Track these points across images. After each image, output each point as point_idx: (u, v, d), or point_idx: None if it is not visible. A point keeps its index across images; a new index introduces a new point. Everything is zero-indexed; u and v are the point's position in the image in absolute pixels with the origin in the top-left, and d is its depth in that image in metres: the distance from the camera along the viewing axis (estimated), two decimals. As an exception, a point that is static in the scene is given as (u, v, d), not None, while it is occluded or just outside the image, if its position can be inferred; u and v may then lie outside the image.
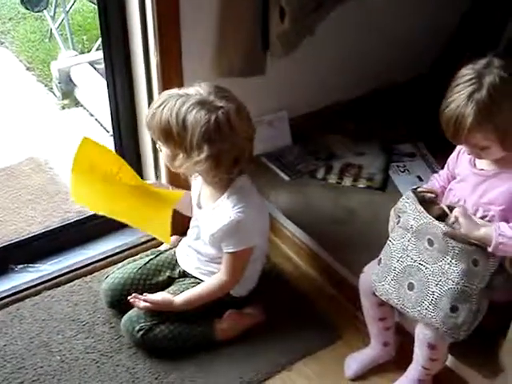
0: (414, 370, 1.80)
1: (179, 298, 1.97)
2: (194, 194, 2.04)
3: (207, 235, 1.94)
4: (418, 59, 2.71)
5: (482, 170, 1.69)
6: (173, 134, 1.77)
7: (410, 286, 1.68)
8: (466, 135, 1.58)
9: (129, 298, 1.98)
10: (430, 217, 1.63)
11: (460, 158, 1.77)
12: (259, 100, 2.38)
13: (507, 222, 1.61)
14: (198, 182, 2.01)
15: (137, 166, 2.36)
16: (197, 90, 1.79)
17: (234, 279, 1.97)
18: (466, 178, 1.74)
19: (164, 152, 1.86)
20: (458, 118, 1.56)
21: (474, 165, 1.71)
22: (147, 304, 1.94)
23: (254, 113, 2.33)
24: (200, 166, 1.79)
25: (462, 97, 1.55)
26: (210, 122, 1.73)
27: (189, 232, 2.08)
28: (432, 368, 1.77)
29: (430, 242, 1.64)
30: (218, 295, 1.99)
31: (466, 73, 1.58)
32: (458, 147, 1.76)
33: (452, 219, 1.63)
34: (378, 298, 1.83)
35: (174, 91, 1.82)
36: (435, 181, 1.87)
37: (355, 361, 1.97)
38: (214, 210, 1.92)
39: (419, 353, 1.74)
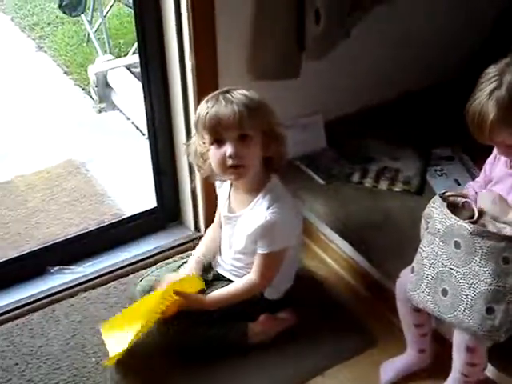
0: (452, 379, 1.77)
1: (210, 297, 1.96)
2: (221, 202, 2.04)
3: (243, 237, 1.93)
4: (450, 62, 2.68)
5: None
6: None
7: (444, 292, 1.65)
8: (490, 132, 1.57)
9: None
10: (456, 217, 1.60)
11: (497, 161, 1.74)
12: (294, 103, 2.37)
13: None
14: (224, 190, 2.01)
15: (171, 169, 2.37)
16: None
17: (264, 281, 1.96)
18: (501, 179, 1.71)
19: (255, 142, 1.83)
20: (480, 115, 1.57)
21: (511, 166, 1.69)
22: (179, 298, 1.92)
23: (289, 116, 2.34)
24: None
25: (484, 94, 1.56)
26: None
27: (222, 246, 2.08)
28: (471, 375, 1.73)
29: (457, 245, 1.61)
30: (247, 296, 1.98)
31: (489, 71, 1.60)
32: (495, 150, 1.73)
33: (476, 214, 1.61)
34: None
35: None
36: (470, 188, 1.84)
37: (390, 368, 1.94)
38: (250, 211, 1.91)
39: (457, 358, 1.71)
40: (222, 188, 2.03)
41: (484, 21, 2.74)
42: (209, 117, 1.79)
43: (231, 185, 1.99)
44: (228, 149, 1.80)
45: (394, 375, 1.93)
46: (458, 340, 1.68)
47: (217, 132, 1.81)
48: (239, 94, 1.81)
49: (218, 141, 1.82)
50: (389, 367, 1.95)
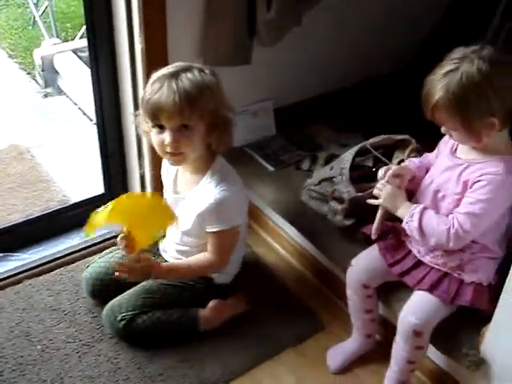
0: (396, 372, 1.79)
1: (167, 264, 1.94)
2: (167, 184, 2.02)
3: (192, 217, 1.91)
4: (402, 51, 2.72)
5: (459, 158, 1.70)
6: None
7: None
8: (432, 111, 1.60)
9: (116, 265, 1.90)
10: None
11: (447, 142, 1.77)
12: (244, 90, 2.37)
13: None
14: (171, 171, 2.00)
15: (119, 154, 2.35)
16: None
17: (221, 260, 1.95)
18: (442, 159, 1.75)
19: (195, 132, 1.80)
20: (429, 92, 1.60)
21: (455, 151, 1.72)
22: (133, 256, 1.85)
23: (240, 102, 2.34)
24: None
25: (440, 73, 1.58)
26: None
27: (168, 231, 2.06)
28: (418, 359, 1.77)
29: None
30: (205, 272, 1.99)
31: (457, 51, 1.60)
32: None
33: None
34: (366, 290, 1.85)
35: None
36: (411, 162, 1.88)
37: (338, 353, 1.97)
38: (198, 191, 1.90)
39: (402, 346, 1.74)
40: (169, 169, 2.01)
41: (434, 14, 2.79)
42: (150, 103, 1.76)
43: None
44: (167, 137, 1.79)
45: (342, 360, 1.96)
46: (405, 325, 1.71)
47: (157, 119, 1.78)
48: (186, 80, 1.76)
49: (158, 126, 1.81)
50: (336, 352, 1.98)
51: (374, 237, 1.82)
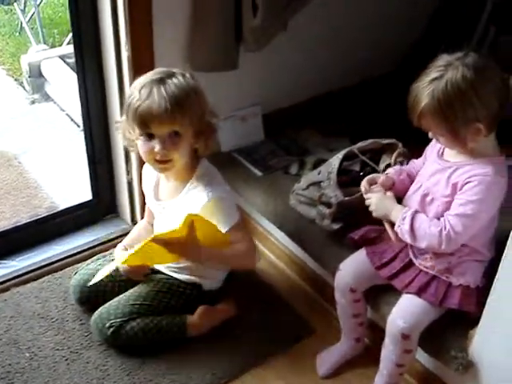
0: (385, 376, 1.80)
1: (206, 249, 1.82)
2: (148, 187, 2.00)
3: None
4: (389, 56, 2.73)
5: (447, 161, 1.70)
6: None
7: None
8: (418, 118, 1.61)
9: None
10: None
11: (434, 145, 1.77)
12: (232, 95, 2.37)
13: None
14: (151, 179, 1.99)
15: (107, 160, 2.34)
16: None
17: (250, 244, 1.92)
18: (430, 163, 1.76)
19: (184, 138, 1.79)
20: (415, 99, 1.60)
21: (442, 154, 1.73)
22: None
23: (228, 108, 2.35)
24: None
25: (425, 80, 1.59)
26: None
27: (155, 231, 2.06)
28: (406, 362, 1.78)
29: None
30: (244, 260, 1.93)
31: (441, 58, 1.61)
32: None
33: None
34: (354, 294, 1.86)
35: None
36: (393, 170, 1.88)
37: (327, 358, 1.97)
38: (185, 196, 1.88)
39: (391, 350, 1.75)
40: (150, 175, 1.99)
41: (420, 18, 2.80)
42: (140, 111, 1.73)
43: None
44: (156, 145, 1.77)
45: (331, 364, 1.96)
46: (394, 329, 1.72)
47: (147, 127, 1.76)
48: (173, 86, 1.74)
49: (147, 134, 1.78)
50: (325, 357, 1.98)
51: (396, 242, 1.78)
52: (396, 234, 1.74)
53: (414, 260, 1.77)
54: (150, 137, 1.78)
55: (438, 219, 1.67)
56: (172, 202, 1.92)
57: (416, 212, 1.70)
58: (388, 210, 1.75)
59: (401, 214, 1.70)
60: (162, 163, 1.82)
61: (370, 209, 1.78)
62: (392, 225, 1.75)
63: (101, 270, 1.95)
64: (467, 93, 1.55)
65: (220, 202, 1.85)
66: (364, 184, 1.82)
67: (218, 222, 1.80)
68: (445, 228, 1.64)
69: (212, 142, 1.87)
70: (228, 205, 1.88)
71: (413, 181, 1.82)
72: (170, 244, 1.76)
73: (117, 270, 1.99)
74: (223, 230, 1.82)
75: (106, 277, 1.96)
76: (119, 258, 1.92)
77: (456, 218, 1.63)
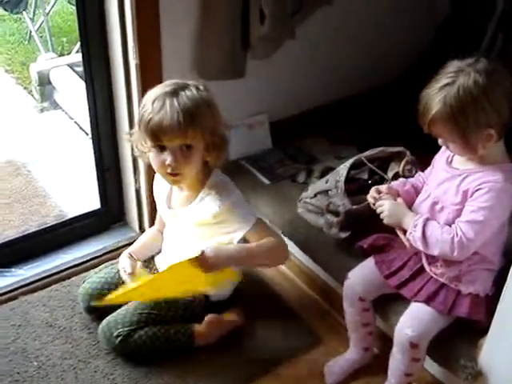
0: None
1: (237, 247, 1.86)
2: (160, 195, 2.01)
3: (193, 229, 1.91)
4: (397, 65, 2.72)
5: (456, 168, 1.70)
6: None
7: None
8: (429, 124, 1.60)
9: None
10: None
11: (442, 154, 1.77)
12: (240, 103, 2.38)
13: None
14: (163, 188, 1.98)
15: (115, 169, 2.35)
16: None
17: (279, 238, 1.91)
18: (438, 172, 1.75)
19: (195, 151, 1.79)
20: (425, 105, 1.60)
21: (451, 162, 1.73)
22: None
23: (235, 116, 2.34)
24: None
25: (436, 86, 1.58)
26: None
27: (165, 247, 2.06)
28: (414, 371, 1.76)
29: None
30: (277, 255, 1.93)
31: (452, 65, 1.60)
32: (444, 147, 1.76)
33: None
34: (363, 303, 1.85)
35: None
36: (398, 182, 1.88)
37: (335, 368, 1.96)
38: (198, 205, 1.88)
39: (399, 359, 1.74)
40: (163, 184, 1.98)
41: (429, 27, 2.79)
42: (152, 124, 1.73)
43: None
44: (168, 158, 1.77)
45: (339, 374, 1.95)
46: (402, 338, 1.71)
47: (159, 140, 1.76)
48: (186, 98, 1.74)
49: (159, 146, 1.79)
50: (333, 366, 1.97)
51: (410, 249, 1.77)
52: (409, 240, 1.73)
53: (427, 267, 1.76)
54: (161, 149, 1.78)
55: (450, 226, 1.66)
56: (184, 210, 1.93)
57: (427, 219, 1.69)
58: (400, 216, 1.74)
59: (412, 220, 1.70)
60: (173, 175, 1.82)
61: (382, 216, 1.77)
62: (404, 232, 1.74)
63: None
64: (479, 98, 1.54)
65: (232, 207, 1.85)
66: (372, 193, 1.81)
67: (239, 225, 1.83)
68: (457, 235, 1.63)
69: (224, 155, 1.87)
70: (241, 207, 1.88)
71: (418, 193, 1.82)
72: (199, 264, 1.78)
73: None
74: (243, 232, 1.84)
75: (115, 284, 1.97)
76: (115, 293, 1.89)
77: (467, 224, 1.62)
